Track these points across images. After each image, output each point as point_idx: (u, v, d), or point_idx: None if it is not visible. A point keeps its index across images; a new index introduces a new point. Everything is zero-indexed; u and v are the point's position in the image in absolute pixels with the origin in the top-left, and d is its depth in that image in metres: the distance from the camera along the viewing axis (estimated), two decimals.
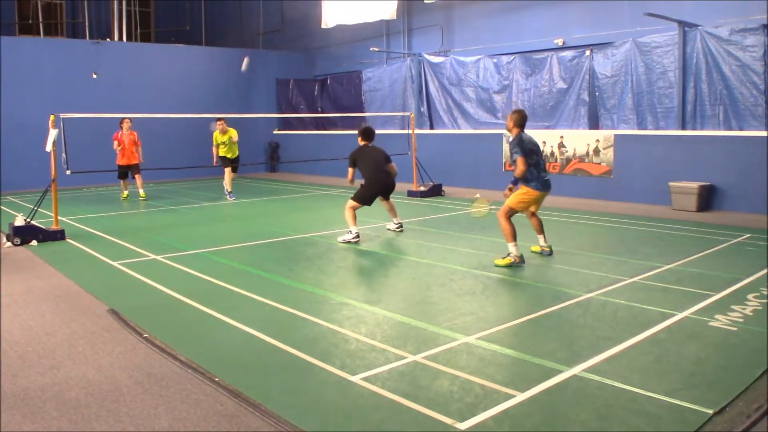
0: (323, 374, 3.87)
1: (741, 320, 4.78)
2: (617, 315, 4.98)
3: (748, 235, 8.32)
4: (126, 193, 13.51)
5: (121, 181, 13.46)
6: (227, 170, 13.22)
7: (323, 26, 18.22)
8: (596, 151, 12.42)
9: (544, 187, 6.86)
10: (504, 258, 6.72)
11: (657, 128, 11.98)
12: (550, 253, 7.18)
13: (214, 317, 5.05)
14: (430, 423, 3.22)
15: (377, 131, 9.31)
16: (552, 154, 13.14)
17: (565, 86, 13.40)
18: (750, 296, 5.42)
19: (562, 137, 13.04)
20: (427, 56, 16.57)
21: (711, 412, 3.29)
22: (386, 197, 8.69)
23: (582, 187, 12.55)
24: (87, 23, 20.67)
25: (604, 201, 11.97)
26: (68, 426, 3.27)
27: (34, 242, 8.31)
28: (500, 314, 5.11)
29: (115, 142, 12.98)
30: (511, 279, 6.25)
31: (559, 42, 14.17)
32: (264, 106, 20.48)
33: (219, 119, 13.05)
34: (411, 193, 13.21)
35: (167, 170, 14.56)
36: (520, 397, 3.49)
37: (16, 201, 12.85)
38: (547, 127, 13.61)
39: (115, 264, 7.07)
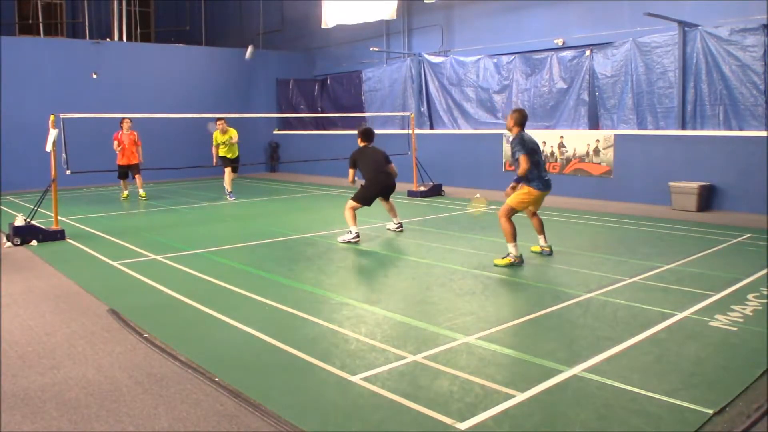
0: (323, 374, 3.87)
1: (741, 320, 4.78)
2: (617, 315, 4.98)
3: (748, 235, 8.32)
4: (126, 193, 13.51)
5: (121, 181, 13.47)
6: (227, 170, 13.21)
7: (323, 26, 18.22)
8: (596, 151, 12.42)
9: (545, 186, 6.86)
10: (503, 258, 6.72)
11: (657, 128, 11.98)
12: (550, 253, 7.18)
13: (214, 317, 5.05)
14: (430, 423, 3.22)
15: (377, 131, 9.32)
16: (552, 154, 13.14)
17: (565, 86, 13.40)
18: (750, 296, 5.42)
19: (562, 137, 13.04)
20: (427, 56, 16.57)
21: (711, 412, 3.29)
22: (386, 198, 8.69)
23: (582, 187, 12.55)
24: (87, 23, 20.67)
25: (604, 201, 11.98)
26: (68, 426, 3.27)
27: (34, 242, 8.31)
28: (500, 314, 5.11)
29: (115, 142, 12.98)
30: (511, 279, 6.25)
31: (559, 42, 14.17)
32: (264, 106, 20.48)
33: (219, 119, 13.05)
34: (411, 193, 13.21)
35: (167, 170, 14.56)
36: (520, 397, 3.49)
37: (16, 201, 12.85)
38: (547, 127, 13.61)
39: (115, 264, 7.07)
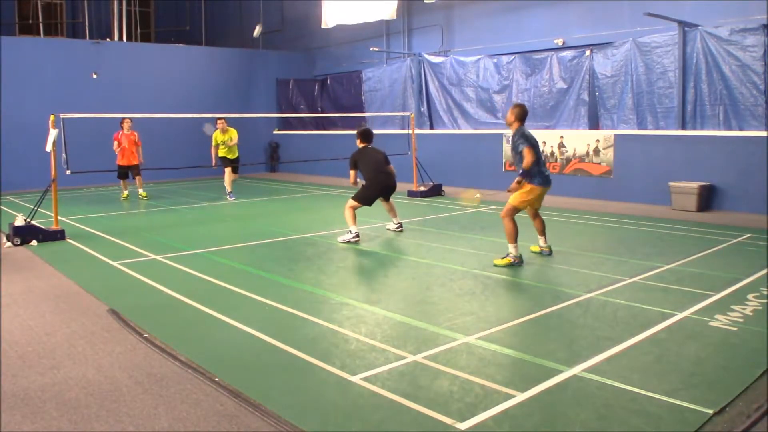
0: (323, 374, 3.87)
1: (741, 320, 4.78)
2: (617, 315, 4.98)
3: (748, 235, 8.32)
4: (126, 193, 13.51)
5: (121, 181, 13.46)
6: (227, 170, 13.20)
7: (323, 26, 18.22)
8: (596, 151, 12.42)
9: (546, 182, 6.86)
10: (503, 258, 6.72)
11: (657, 128, 11.98)
12: (550, 253, 7.18)
13: (214, 317, 5.05)
14: (430, 423, 3.22)
15: (377, 131, 9.33)
16: (552, 154, 13.14)
17: (565, 86, 13.40)
18: (750, 296, 5.42)
19: (562, 137, 13.04)
20: (427, 56, 16.58)
21: (711, 412, 3.29)
22: (387, 198, 8.69)
23: (582, 187, 12.55)
24: (87, 23, 20.67)
25: (604, 201, 11.97)
26: (68, 426, 3.27)
27: (34, 242, 8.31)
28: (500, 314, 5.11)
29: (115, 143, 12.98)
30: (511, 279, 6.25)
31: (559, 42, 14.17)
32: (264, 106, 20.48)
33: (219, 119, 13.04)
34: (411, 193, 13.21)
35: (167, 170, 14.54)
36: (520, 397, 3.49)
37: (16, 201, 12.85)
38: (547, 127, 13.61)
39: (115, 264, 7.07)
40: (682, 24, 11.30)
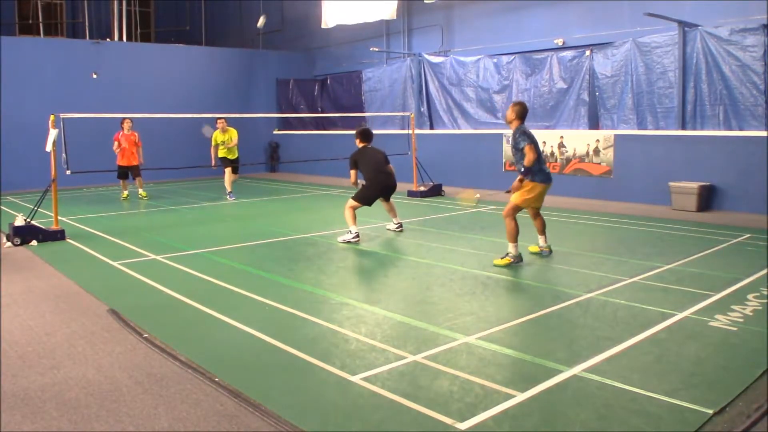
0: (323, 374, 3.87)
1: (741, 320, 4.78)
2: (617, 315, 4.98)
3: (748, 235, 8.32)
4: (126, 193, 13.51)
5: (121, 181, 13.45)
6: (227, 170, 13.19)
7: (323, 26, 18.22)
8: (596, 151, 12.42)
9: (547, 179, 6.87)
10: (503, 258, 6.72)
11: (657, 128, 11.98)
12: (550, 253, 7.17)
13: (214, 317, 5.05)
14: (430, 423, 3.22)
15: (377, 131, 9.32)
16: (552, 154, 13.14)
17: (565, 86, 13.40)
18: (750, 296, 5.42)
19: (562, 137, 13.04)
20: (427, 56, 16.58)
21: (711, 412, 3.29)
22: (387, 198, 8.69)
23: (582, 187, 12.55)
24: (87, 23, 20.68)
25: (604, 201, 11.98)
26: (68, 426, 3.27)
27: (34, 242, 8.31)
28: (500, 314, 5.11)
29: (115, 143, 12.98)
30: (511, 279, 6.25)
31: (559, 42, 14.17)
32: (264, 106, 20.48)
33: (219, 118, 13.03)
34: (411, 193, 13.21)
35: (167, 170, 14.54)
36: (520, 397, 3.49)
37: (16, 201, 12.86)
38: (547, 127, 13.61)
39: (115, 264, 7.07)
40: (682, 24, 11.30)
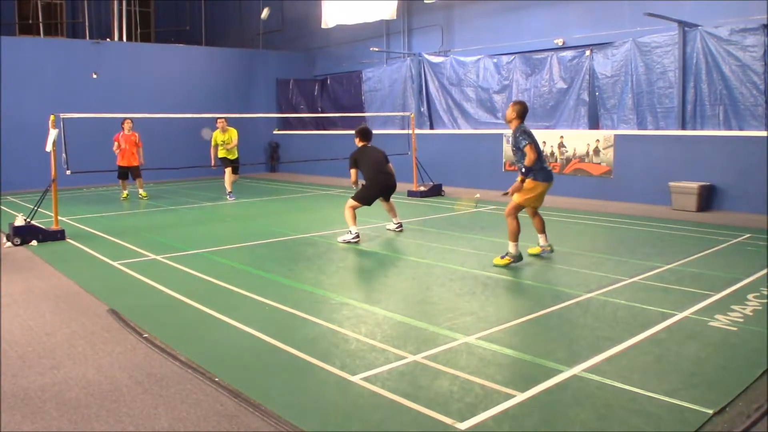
0: (323, 374, 3.87)
1: (741, 320, 4.78)
2: (617, 315, 4.98)
3: (748, 235, 8.32)
4: (126, 193, 13.51)
5: (121, 182, 13.46)
6: (227, 170, 13.19)
7: (323, 26, 18.22)
8: (596, 151, 12.42)
9: (548, 177, 6.87)
10: (502, 258, 6.72)
11: (657, 128, 11.98)
12: (551, 252, 7.16)
13: (214, 317, 5.05)
14: (430, 423, 3.22)
15: (377, 131, 9.32)
16: (552, 154, 13.14)
17: (565, 86, 13.40)
18: (750, 296, 5.42)
19: (562, 137, 13.04)
20: (427, 56, 16.58)
21: (711, 412, 3.29)
22: (387, 198, 8.69)
23: (582, 187, 12.55)
24: (87, 23, 20.68)
25: (604, 201, 11.98)
26: (68, 426, 3.27)
27: (34, 242, 8.31)
28: (500, 314, 5.11)
29: (115, 144, 12.98)
30: (511, 279, 6.25)
31: (559, 42, 14.17)
32: (264, 106, 20.49)
33: (219, 118, 13.03)
34: (411, 193, 13.21)
35: (167, 170, 14.55)
36: (520, 397, 3.49)
37: (16, 201, 12.86)
38: (547, 127, 13.61)
39: (115, 264, 7.07)
40: (682, 24, 11.30)
